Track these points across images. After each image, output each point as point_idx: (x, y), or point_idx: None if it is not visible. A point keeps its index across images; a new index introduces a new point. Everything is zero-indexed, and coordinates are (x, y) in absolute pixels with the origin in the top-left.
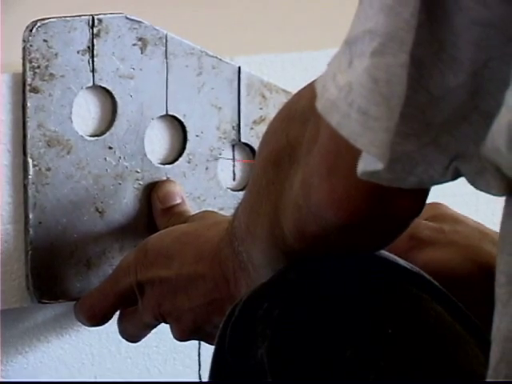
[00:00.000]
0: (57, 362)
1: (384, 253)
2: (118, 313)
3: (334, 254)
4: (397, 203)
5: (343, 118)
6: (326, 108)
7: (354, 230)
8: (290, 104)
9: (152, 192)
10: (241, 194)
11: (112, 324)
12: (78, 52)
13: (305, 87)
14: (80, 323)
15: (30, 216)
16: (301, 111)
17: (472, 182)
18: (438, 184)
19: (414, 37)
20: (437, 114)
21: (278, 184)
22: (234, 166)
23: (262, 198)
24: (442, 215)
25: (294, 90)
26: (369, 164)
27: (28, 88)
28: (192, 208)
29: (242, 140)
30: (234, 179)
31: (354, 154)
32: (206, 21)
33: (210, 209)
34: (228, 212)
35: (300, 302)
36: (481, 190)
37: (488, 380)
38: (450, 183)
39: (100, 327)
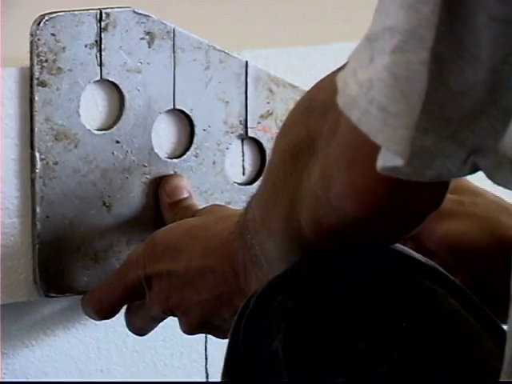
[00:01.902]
0: (63, 355)
1: (399, 246)
2: (125, 306)
3: (349, 246)
4: (416, 196)
5: (363, 114)
6: (347, 104)
7: (373, 222)
8: (309, 96)
9: (159, 186)
10: (248, 188)
11: (119, 318)
12: (85, 46)
13: (324, 79)
14: (87, 317)
15: (38, 210)
16: (321, 103)
17: (490, 177)
18: (455, 177)
19: (435, 34)
20: (456, 110)
21: (295, 176)
22: (243, 160)
23: (279, 190)
24: (462, 188)
25: (301, 85)
26: (388, 160)
27: (36, 82)
28: (199, 202)
29: (249, 134)
30: (243, 174)
31: (374, 146)
32: (212, 15)
33: (217, 203)
34: (235, 206)
35: (314, 294)
36: (498, 185)
37: (501, 380)
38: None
39: (107, 321)
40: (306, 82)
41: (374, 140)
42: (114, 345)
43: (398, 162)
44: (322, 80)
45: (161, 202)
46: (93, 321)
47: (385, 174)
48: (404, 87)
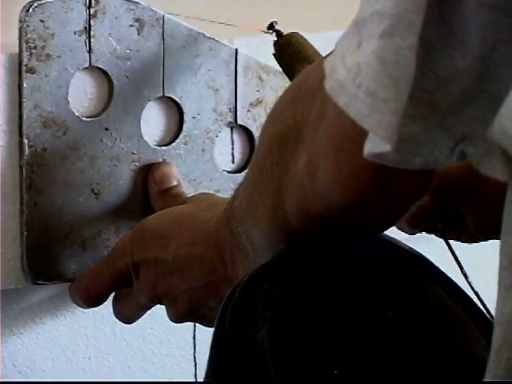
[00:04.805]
0: (51, 343)
1: (386, 235)
2: (113, 294)
3: (335, 234)
4: (402, 184)
5: (351, 99)
6: (335, 89)
7: (359, 210)
8: (298, 82)
9: (148, 174)
10: (237, 176)
11: (107, 306)
12: (74, 33)
13: (313, 66)
14: (75, 304)
15: (26, 197)
16: (309, 90)
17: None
18: (443, 165)
19: (423, 19)
20: (444, 97)
21: (282, 163)
22: (232, 148)
23: (266, 178)
24: None
25: None
26: (376, 145)
27: (24, 68)
28: (188, 190)
29: (239, 122)
30: (233, 162)
31: (361, 133)
32: (203, 1)
33: (206, 191)
34: (224, 194)
35: (301, 283)
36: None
37: (488, 380)
38: None
39: (95, 309)
40: None
41: (361, 125)
42: (102, 333)
43: (386, 147)
44: (310, 67)
45: (149, 190)
46: (81, 309)
47: (371, 159)
48: (392, 72)
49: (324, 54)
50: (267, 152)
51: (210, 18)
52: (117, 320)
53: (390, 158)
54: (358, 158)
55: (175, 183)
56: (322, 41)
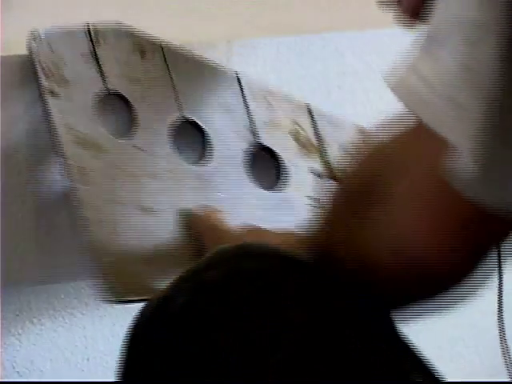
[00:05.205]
0: (50, 344)
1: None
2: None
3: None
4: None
5: (430, 108)
6: (411, 99)
7: (448, 279)
8: (381, 143)
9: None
10: (267, 192)
11: (105, 308)
12: (82, 56)
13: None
14: (74, 306)
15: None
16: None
17: None
18: None
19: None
20: None
21: (362, 216)
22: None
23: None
24: None
25: (289, 74)
26: (460, 162)
27: (46, 91)
28: (224, 209)
29: (259, 141)
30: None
31: (462, 206)
32: (201, 3)
33: (242, 210)
34: (258, 210)
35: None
36: None
37: (492, 381)
38: None
39: (93, 310)
40: (295, 72)
41: (443, 136)
42: (100, 334)
43: (470, 162)
44: (396, 131)
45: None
46: (80, 310)
47: (456, 186)
48: (475, 80)
49: (322, 54)
50: (345, 200)
51: (210, 18)
52: (115, 321)
53: (476, 187)
54: (457, 231)
55: (218, 215)
56: (318, 42)
